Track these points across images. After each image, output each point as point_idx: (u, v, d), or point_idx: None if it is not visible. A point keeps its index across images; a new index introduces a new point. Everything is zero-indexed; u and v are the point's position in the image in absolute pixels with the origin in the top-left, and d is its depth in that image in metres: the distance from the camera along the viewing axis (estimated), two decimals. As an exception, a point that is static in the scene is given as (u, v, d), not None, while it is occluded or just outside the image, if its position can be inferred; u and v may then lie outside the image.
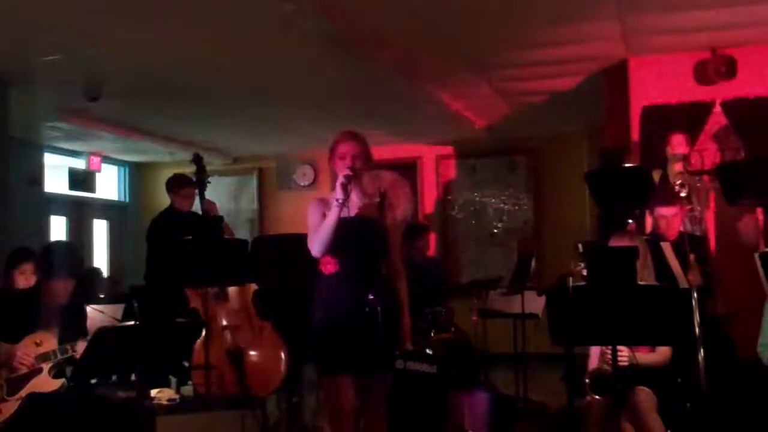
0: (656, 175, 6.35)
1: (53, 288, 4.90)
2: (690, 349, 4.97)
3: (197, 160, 6.51)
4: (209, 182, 6.56)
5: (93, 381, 4.88)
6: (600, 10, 6.26)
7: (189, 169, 6.66)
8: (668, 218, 5.59)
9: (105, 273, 10.70)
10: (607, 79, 7.82)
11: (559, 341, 4.11)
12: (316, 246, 4.25)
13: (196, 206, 6.62)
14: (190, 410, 5.16)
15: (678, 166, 6.22)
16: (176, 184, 7.07)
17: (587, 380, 4.62)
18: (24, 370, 4.69)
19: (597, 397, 4.56)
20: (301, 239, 4.44)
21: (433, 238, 7.97)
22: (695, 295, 5.19)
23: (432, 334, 6.53)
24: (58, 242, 7.12)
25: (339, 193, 4.18)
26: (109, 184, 12.26)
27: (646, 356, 4.63)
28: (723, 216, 6.81)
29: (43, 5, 5.71)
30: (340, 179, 4.20)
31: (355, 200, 4.31)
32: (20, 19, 5.93)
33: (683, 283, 5.29)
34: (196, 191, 6.57)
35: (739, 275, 5.61)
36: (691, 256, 5.33)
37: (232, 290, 6.08)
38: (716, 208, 6.84)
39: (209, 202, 6.55)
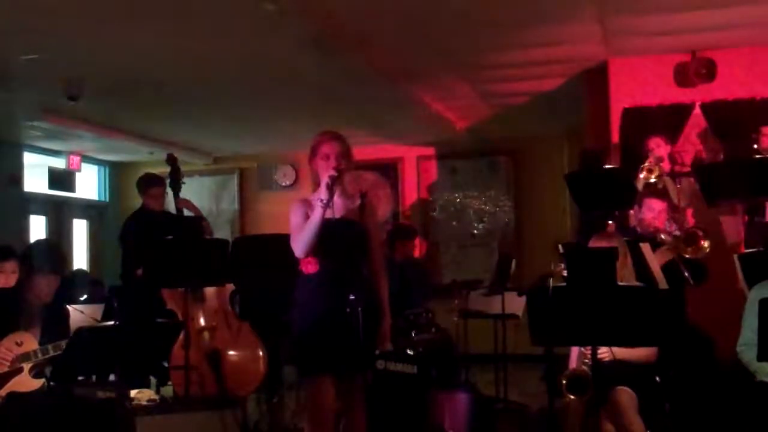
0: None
1: (38, 286, 4.87)
2: (670, 349, 5.00)
3: (171, 161, 6.49)
4: (184, 183, 6.54)
5: (72, 381, 4.85)
6: (581, 12, 6.29)
7: (168, 169, 6.63)
8: (655, 212, 5.66)
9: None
10: (587, 80, 7.86)
11: (540, 342, 4.12)
12: (299, 247, 4.24)
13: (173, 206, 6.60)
14: (170, 411, 5.12)
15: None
16: (145, 183, 7.04)
17: (564, 381, 4.63)
18: (3, 369, 4.66)
19: (573, 397, 4.57)
20: (282, 240, 4.43)
21: (417, 240, 7.99)
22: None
23: (413, 335, 6.54)
24: (43, 240, 7.08)
25: (324, 194, 4.18)
26: (89, 184, 12.18)
27: (627, 351, 4.63)
28: (703, 217, 6.85)
29: (22, 4, 5.67)
30: (326, 180, 4.20)
31: (338, 201, 4.30)
32: (-1, 17, 5.90)
33: (663, 284, 5.32)
34: (167, 190, 6.58)
35: (718, 276, 5.66)
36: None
37: (208, 291, 6.05)
38: (695, 209, 6.88)
39: (184, 201, 6.53)
